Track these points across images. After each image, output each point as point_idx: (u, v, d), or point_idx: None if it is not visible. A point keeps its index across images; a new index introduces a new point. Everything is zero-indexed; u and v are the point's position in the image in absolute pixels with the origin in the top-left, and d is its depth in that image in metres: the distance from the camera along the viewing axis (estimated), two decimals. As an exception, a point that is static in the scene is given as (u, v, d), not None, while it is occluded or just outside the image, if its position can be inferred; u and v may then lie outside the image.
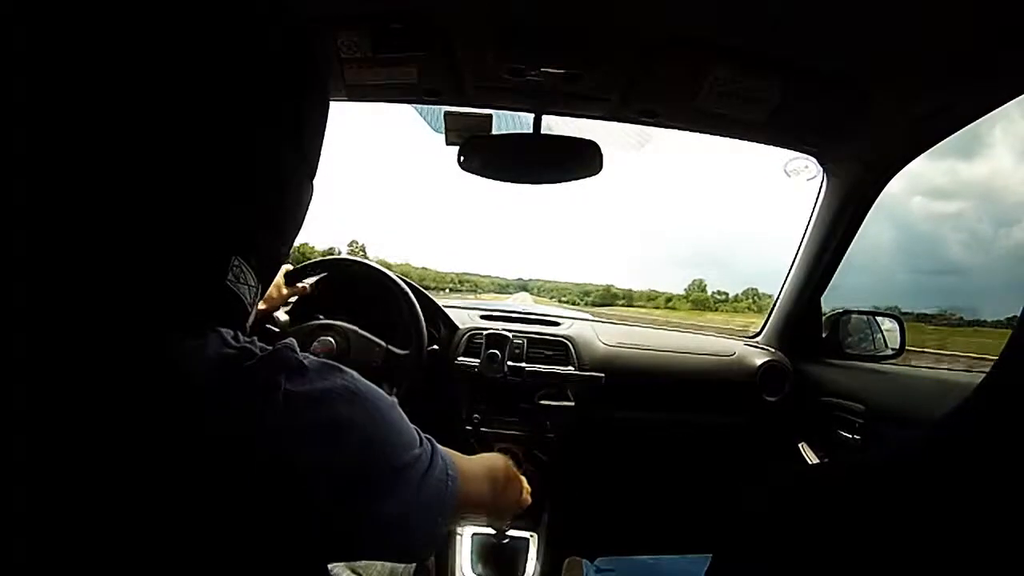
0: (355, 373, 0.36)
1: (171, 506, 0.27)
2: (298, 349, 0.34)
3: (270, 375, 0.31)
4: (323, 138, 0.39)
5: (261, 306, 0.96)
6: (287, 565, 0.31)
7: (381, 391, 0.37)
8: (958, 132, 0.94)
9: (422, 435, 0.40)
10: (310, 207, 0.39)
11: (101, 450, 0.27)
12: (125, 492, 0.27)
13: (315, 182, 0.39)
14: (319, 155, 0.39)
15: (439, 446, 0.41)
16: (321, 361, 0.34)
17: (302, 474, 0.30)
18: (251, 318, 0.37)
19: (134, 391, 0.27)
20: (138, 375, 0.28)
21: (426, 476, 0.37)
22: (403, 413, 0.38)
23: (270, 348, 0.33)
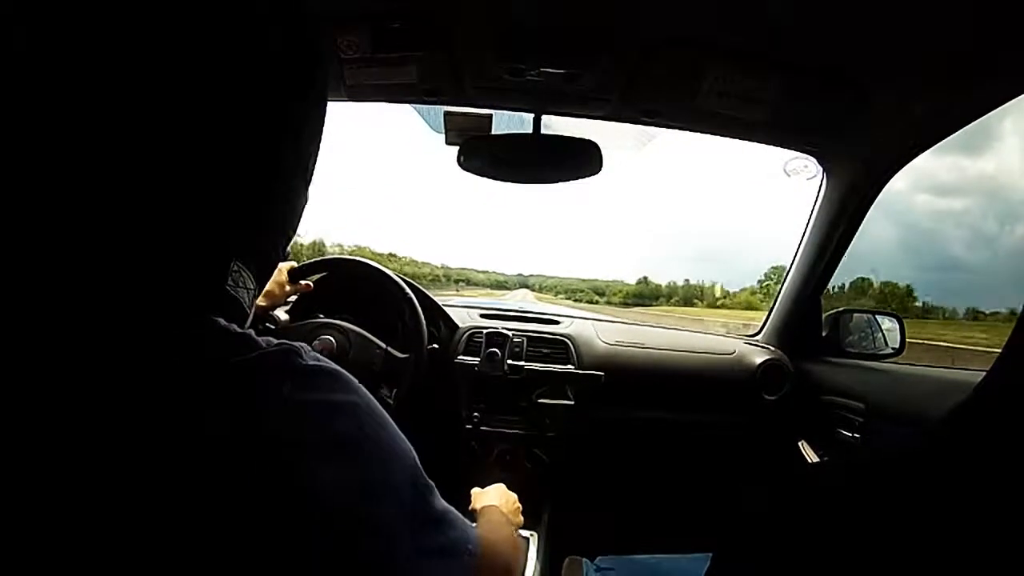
0: (366, 392, 0.34)
1: (166, 503, 0.26)
2: (306, 355, 0.32)
3: (270, 376, 0.30)
4: (320, 142, 0.38)
5: (262, 302, 0.96)
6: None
7: (388, 417, 0.35)
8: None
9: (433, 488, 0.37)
10: (304, 211, 0.38)
11: (98, 446, 0.26)
12: (119, 487, 0.26)
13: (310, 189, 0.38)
14: (316, 160, 0.38)
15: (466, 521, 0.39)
16: (332, 370, 0.33)
17: (302, 485, 0.28)
18: (249, 320, 0.36)
19: (131, 385, 0.27)
20: (136, 370, 0.27)
21: (432, 520, 0.35)
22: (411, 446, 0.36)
23: (274, 344, 0.32)
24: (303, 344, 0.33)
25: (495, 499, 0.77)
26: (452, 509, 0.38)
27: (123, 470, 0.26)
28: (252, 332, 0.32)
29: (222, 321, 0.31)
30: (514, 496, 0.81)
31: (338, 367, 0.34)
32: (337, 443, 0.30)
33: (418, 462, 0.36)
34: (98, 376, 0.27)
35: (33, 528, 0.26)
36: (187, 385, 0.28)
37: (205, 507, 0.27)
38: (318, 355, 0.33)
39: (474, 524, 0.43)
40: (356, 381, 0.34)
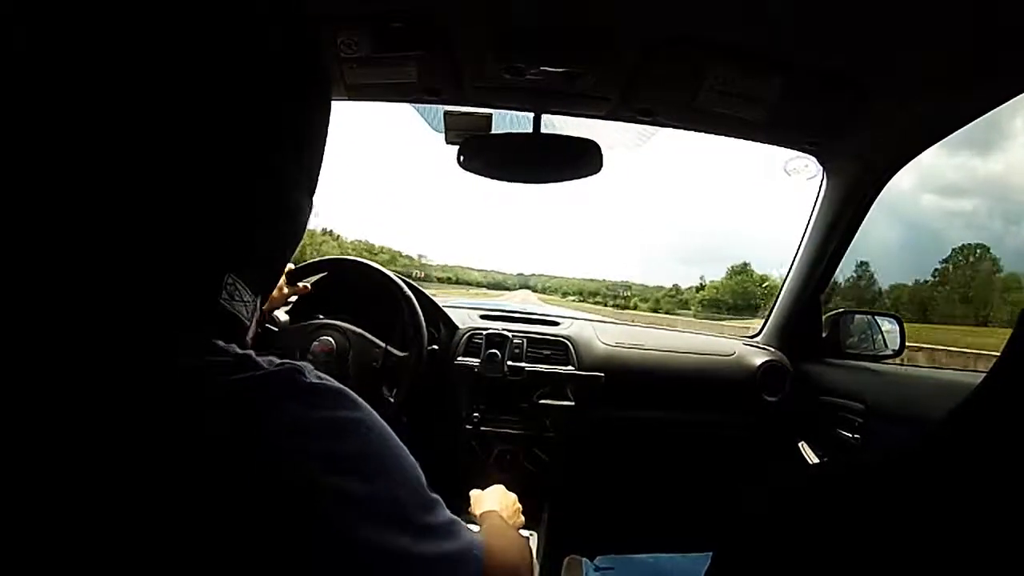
0: (370, 409, 0.34)
1: (169, 527, 0.26)
2: (308, 373, 0.32)
3: (273, 396, 0.29)
4: (323, 151, 0.38)
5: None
6: None
7: (392, 433, 0.35)
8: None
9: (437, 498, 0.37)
10: (308, 218, 0.38)
11: (94, 469, 0.26)
12: (119, 509, 0.26)
13: (314, 199, 0.38)
14: (319, 169, 0.37)
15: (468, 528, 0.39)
16: (335, 388, 0.32)
17: (306, 504, 0.28)
18: (251, 332, 0.35)
19: (127, 408, 0.27)
20: (131, 391, 0.27)
21: (441, 532, 0.35)
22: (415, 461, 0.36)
23: (276, 364, 0.31)
24: (305, 363, 0.32)
25: (495, 501, 0.76)
26: (457, 519, 0.38)
27: (124, 494, 0.26)
28: (253, 353, 0.32)
29: (221, 343, 0.31)
30: (514, 497, 0.80)
31: (342, 385, 0.33)
32: (341, 460, 0.30)
33: (422, 476, 0.35)
34: (93, 398, 0.26)
35: (30, 544, 0.25)
36: (188, 409, 0.27)
37: (209, 529, 0.26)
38: (320, 373, 0.33)
39: (477, 529, 0.42)
40: (360, 399, 0.33)
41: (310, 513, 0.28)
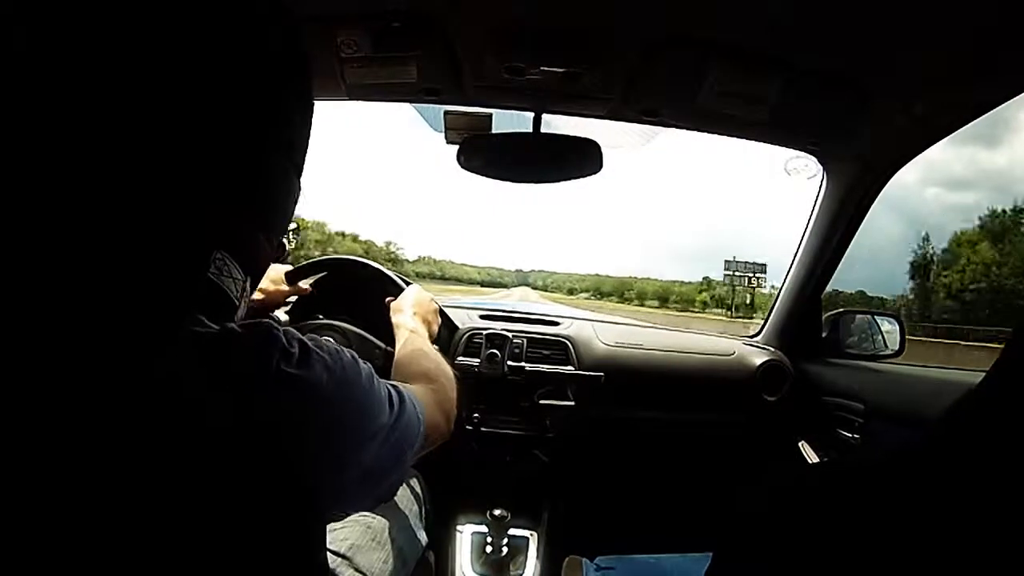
0: (336, 349, 0.39)
1: (159, 486, 0.27)
2: (278, 324, 0.34)
3: (261, 357, 0.32)
4: (309, 134, 0.39)
5: (259, 296, 0.97)
6: (279, 547, 0.31)
7: (358, 367, 0.40)
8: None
9: (392, 393, 0.44)
10: (297, 202, 0.40)
11: (91, 445, 0.26)
12: (109, 474, 0.26)
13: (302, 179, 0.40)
14: (306, 151, 0.39)
15: (405, 392, 0.46)
16: (303, 341, 0.35)
17: (286, 448, 0.31)
18: (240, 311, 0.37)
19: (116, 379, 0.27)
20: (119, 364, 0.27)
21: (394, 428, 0.42)
22: (378, 381, 0.42)
23: (253, 326, 0.33)
24: (276, 314, 0.35)
25: (410, 306, 0.88)
26: (395, 392, 0.44)
27: (122, 470, 0.26)
28: (234, 326, 0.33)
29: (205, 319, 0.32)
30: (428, 296, 0.89)
31: (303, 338, 0.36)
32: (318, 407, 0.34)
33: (386, 397, 0.42)
34: (82, 373, 0.27)
35: (29, 515, 0.26)
36: (172, 374, 0.28)
37: (198, 474, 0.28)
38: (291, 330, 0.36)
39: (408, 385, 0.52)
40: (328, 347, 0.38)
41: (287, 456, 0.31)
